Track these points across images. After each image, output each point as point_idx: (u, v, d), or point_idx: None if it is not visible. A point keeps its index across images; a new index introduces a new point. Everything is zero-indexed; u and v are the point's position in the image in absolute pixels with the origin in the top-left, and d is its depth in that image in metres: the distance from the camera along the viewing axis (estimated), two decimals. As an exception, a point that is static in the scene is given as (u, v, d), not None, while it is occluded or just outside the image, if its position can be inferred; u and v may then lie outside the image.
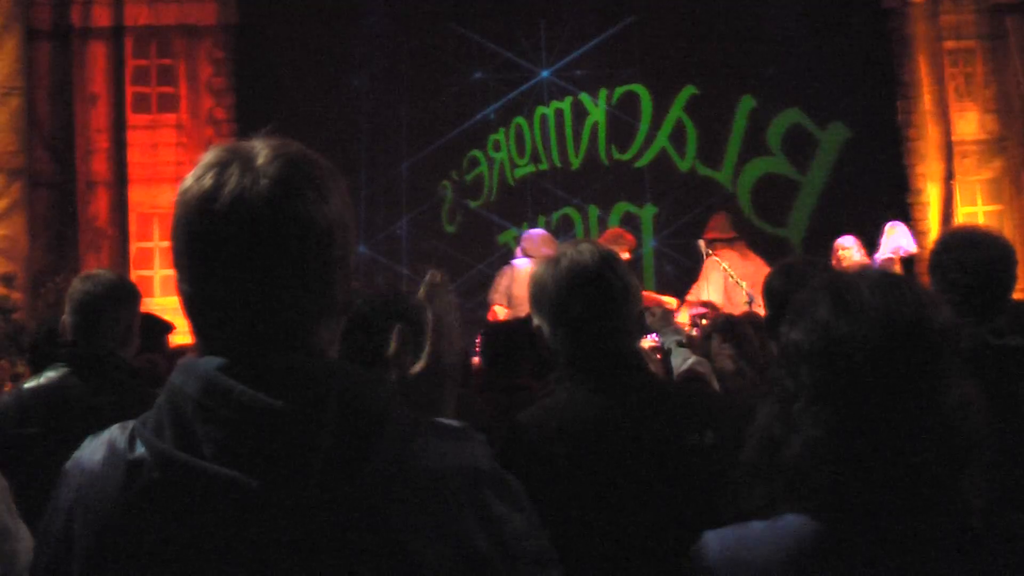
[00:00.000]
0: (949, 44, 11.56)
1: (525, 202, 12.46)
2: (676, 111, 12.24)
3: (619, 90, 12.31)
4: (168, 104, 10.95)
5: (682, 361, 4.97)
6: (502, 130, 12.47)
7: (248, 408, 1.52)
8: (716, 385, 4.89)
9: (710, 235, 10.16)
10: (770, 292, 3.61)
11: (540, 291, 2.96)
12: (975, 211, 11.32)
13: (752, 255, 10.12)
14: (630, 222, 12.10)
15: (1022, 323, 4.20)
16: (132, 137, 10.79)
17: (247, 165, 1.61)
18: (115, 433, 1.64)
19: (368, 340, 2.58)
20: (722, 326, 5.43)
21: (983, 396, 1.89)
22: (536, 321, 3.00)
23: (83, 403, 3.90)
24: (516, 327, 5.28)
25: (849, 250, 9.69)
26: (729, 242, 10.07)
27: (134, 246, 10.70)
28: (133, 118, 10.85)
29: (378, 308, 2.66)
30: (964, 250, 3.81)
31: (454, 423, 1.73)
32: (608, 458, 2.77)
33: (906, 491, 1.83)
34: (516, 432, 2.87)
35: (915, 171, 11.57)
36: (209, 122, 10.92)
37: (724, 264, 9.59)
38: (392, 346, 2.59)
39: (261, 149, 1.64)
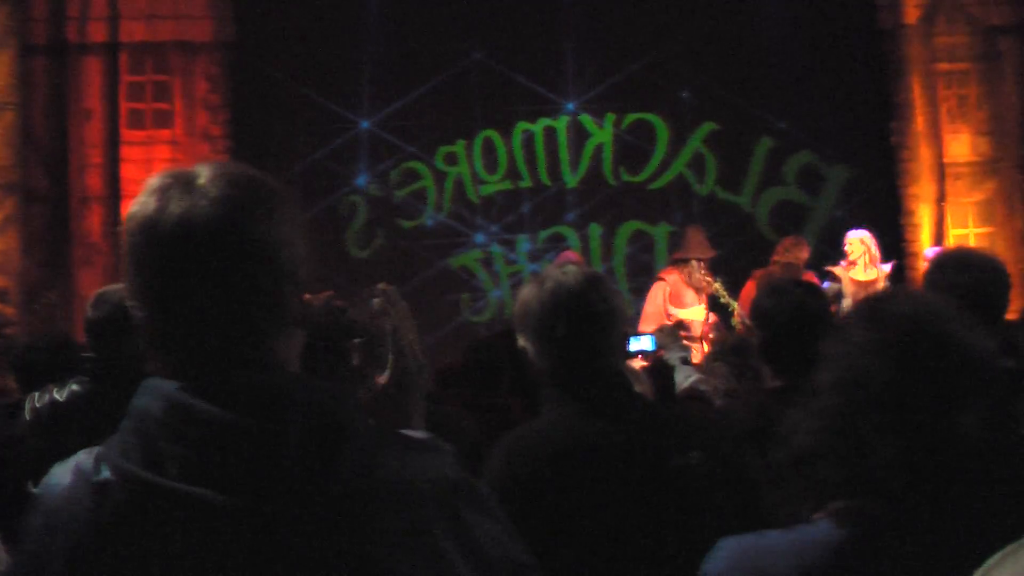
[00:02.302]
0: (943, 66, 11.57)
1: (495, 220, 12.22)
2: (695, 142, 12.14)
3: (630, 116, 12.17)
4: (163, 120, 10.94)
5: (684, 378, 4.99)
6: (460, 142, 12.21)
7: (211, 425, 1.54)
8: (718, 402, 4.88)
9: (691, 254, 10.08)
10: (761, 313, 3.62)
11: (525, 312, 2.98)
12: (966, 233, 11.32)
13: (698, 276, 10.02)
14: (641, 240, 12.05)
15: (1015, 345, 4.21)
16: (126, 153, 10.77)
17: (188, 187, 1.64)
18: (82, 457, 1.65)
19: (329, 355, 2.59)
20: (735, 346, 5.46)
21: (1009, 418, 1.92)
22: (521, 342, 3.01)
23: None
24: (498, 344, 5.27)
25: (855, 244, 9.69)
26: (691, 262, 9.99)
27: (127, 262, 10.64)
28: (128, 134, 10.83)
29: (337, 322, 2.68)
30: (958, 271, 3.82)
31: (420, 435, 1.75)
32: (593, 480, 2.78)
33: (914, 502, 1.85)
34: (503, 454, 2.88)
35: (907, 192, 11.57)
36: (204, 138, 10.91)
37: (716, 285, 9.58)
38: (354, 360, 2.60)
39: (203, 171, 1.67)
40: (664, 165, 12.18)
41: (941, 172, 11.50)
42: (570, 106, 12.20)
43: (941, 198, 11.47)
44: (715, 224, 11.41)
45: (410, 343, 2.66)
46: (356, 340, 2.63)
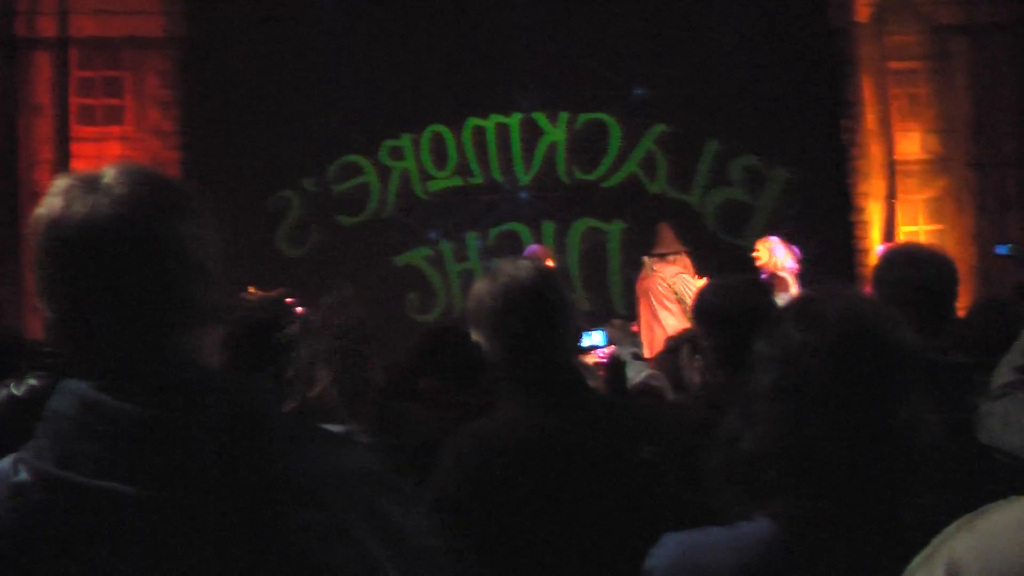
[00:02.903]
0: (894, 64, 11.68)
1: (445, 217, 12.08)
2: (647, 143, 12.15)
3: (583, 116, 12.17)
4: (114, 116, 10.88)
5: (636, 373, 5.00)
6: (406, 136, 12.10)
7: (122, 421, 1.55)
8: (671, 397, 4.90)
9: (659, 249, 10.12)
10: (707, 310, 3.62)
11: (478, 307, 2.98)
12: (917, 230, 11.42)
13: (691, 268, 10.04)
14: (595, 237, 12.04)
15: (964, 341, 4.25)
16: (77, 149, 10.70)
17: (92, 187, 1.65)
18: (3, 462, 1.64)
19: (262, 350, 2.59)
20: (692, 339, 5.46)
21: (936, 414, 1.95)
22: (474, 336, 3.02)
23: None
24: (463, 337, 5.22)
25: (761, 250, 9.76)
26: (668, 256, 10.02)
27: (78, 258, 10.56)
28: (78, 130, 10.77)
29: (264, 321, 2.67)
30: (907, 268, 3.84)
31: (338, 428, 1.78)
32: (547, 473, 2.79)
33: (854, 499, 1.87)
34: (457, 449, 2.88)
35: (858, 190, 11.66)
36: (156, 134, 10.86)
37: (669, 280, 9.61)
38: (291, 371, 2.60)
39: (108, 172, 1.68)
40: (617, 164, 12.19)
41: (892, 170, 11.60)
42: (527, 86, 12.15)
43: (891, 196, 11.56)
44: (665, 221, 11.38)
45: (356, 345, 2.66)
46: (291, 337, 2.62)
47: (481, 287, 2.99)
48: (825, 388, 1.92)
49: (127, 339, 1.63)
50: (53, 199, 1.65)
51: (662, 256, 9.99)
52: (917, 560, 0.99)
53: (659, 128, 12.11)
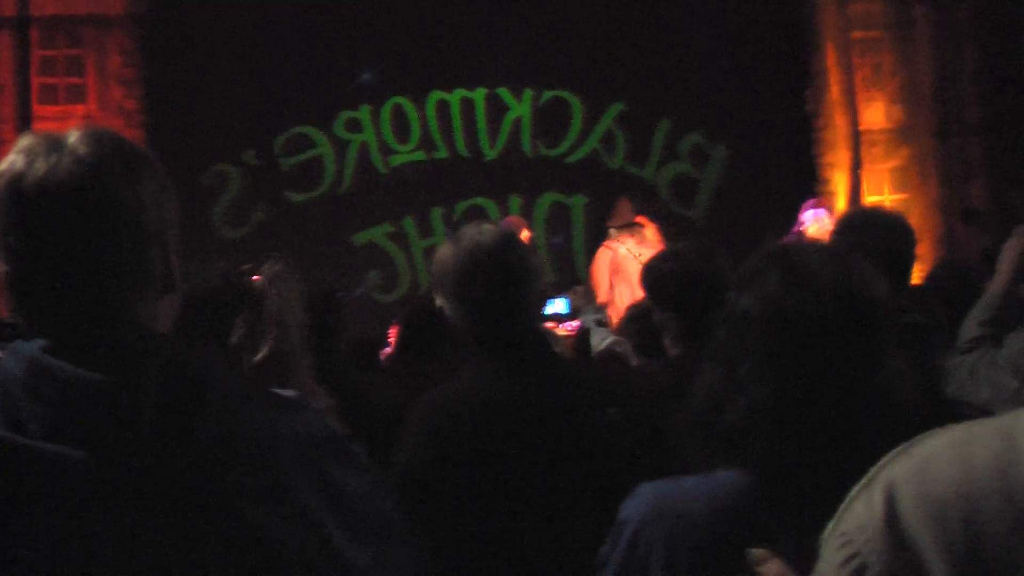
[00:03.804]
0: (857, 34, 11.71)
1: (408, 192, 11.86)
2: (607, 120, 12.22)
3: (548, 93, 12.19)
4: (76, 95, 10.79)
5: (600, 340, 5.02)
6: (366, 107, 11.89)
7: (69, 384, 1.56)
8: (634, 363, 4.92)
9: (617, 221, 10.17)
10: (660, 278, 3.59)
11: (442, 272, 2.99)
12: (882, 199, 11.45)
13: (649, 240, 10.09)
14: (559, 211, 12.07)
15: (921, 302, 4.28)
16: (39, 128, 10.57)
17: (55, 147, 1.65)
18: None
19: (211, 320, 2.60)
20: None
21: (911, 374, 1.97)
22: (438, 301, 3.03)
23: None
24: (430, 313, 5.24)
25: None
26: (631, 227, 10.07)
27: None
28: (40, 109, 10.66)
29: (219, 289, 2.68)
30: (864, 231, 3.86)
31: (287, 392, 1.78)
32: (512, 436, 2.80)
33: (840, 454, 1.89)
34: (421, 414, 2.89)
35: (823, 160, 11.70)
36: (119, 113, 10.76)
37: (634, 251, 9.63)
38: (235, 337, 2.61)
39: (72, 133, 1.68)
40: (579, 140, 12.25)
41: (856, 139, 11.64)
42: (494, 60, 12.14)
43: (857, 165, 11.61)
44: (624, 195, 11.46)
45: (295, 317, 2.68)
46: (240, 315, 2.64)
47: (445, 252, 3.00)
48: (820, 353, 1.93)
49: (78, 302, 1.64)
50: (15, 156, 1.65)
51: (620, 228, 10.04)
52: (856, 488, 1.01)
53: (617, 106, 12.18)
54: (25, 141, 1.68)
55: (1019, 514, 0.89)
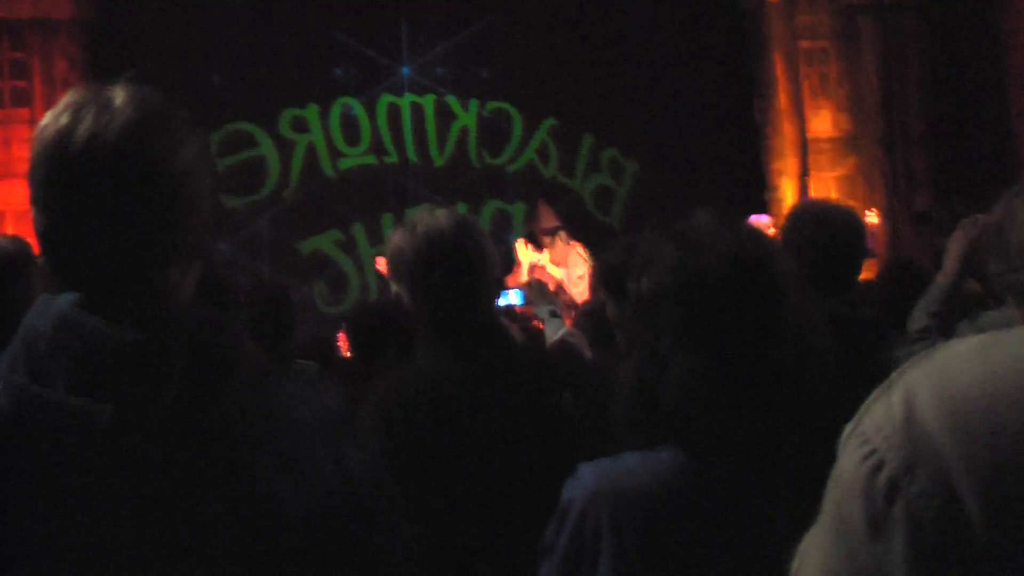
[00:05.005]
0: (804, 44, 11.83)
1: (358, 198, 11.72)
2: (542, 133, 12.56)
3: (491, 104, 12.40)
4: (21, 99, 10.69)
5: (554, 331, 5.03)
6: (313, 106, 11.70)
7: (100, 341, 1.55)
8: (588, 355, 4.93)
9: (543, 225, 10.31)
10: (608, 269, 3.60)
11: (398, 258, 2.98)
12: (829, 206, 11.53)
13: (560, 250, 10.24)
14: (502, 218, 12.20)
15: (871, 298, 4.31)
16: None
17: (104, 106, 1.64)
18: None
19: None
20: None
21: (821, 315, 1.99)
22: (395, 288, 3.02)
23: None
24: (384, 313, 5.24)
25: None
26: (553, 232, 10.21)
27: (-14, 244, 10.37)
28: (-16, 112, 10.59)
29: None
30: (816, 227, 3.89)
31: (307, 366, 1.78)
32: (468, 421, 2.80)
33: (768, 416, 1.90)
34: (377, 400, 2.88)
35: (771, 168, 11.80)
36: (65, 118, 10.63)
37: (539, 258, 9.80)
38: None
39: (119, 93, 1.67)
40: (519, 151, 12.49)
41: (804, 147, 11.74)
42: (405, 70, 12.18)
43: (804, 173, 11.72)
44: (557, 203, 11.88)
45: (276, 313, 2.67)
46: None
47: (400, 237, 2.99)
48: (732, 315, 1.94)
49: (113, 263, 1.63)
50: (62, 112, 1.64)
51: (545, 232, 10.21)
52: (876, 392, 1.01)
53: (549, 122, 12.55)
54: (71, 98, 1.67)
55: None
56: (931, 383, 0.97)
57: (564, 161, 12.65)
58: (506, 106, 12.44)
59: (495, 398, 2.82)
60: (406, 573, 1.80)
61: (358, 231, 11.83)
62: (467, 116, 12.39)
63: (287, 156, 11.71)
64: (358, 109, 12.00)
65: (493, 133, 12.43)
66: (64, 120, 1.63)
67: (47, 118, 1.66)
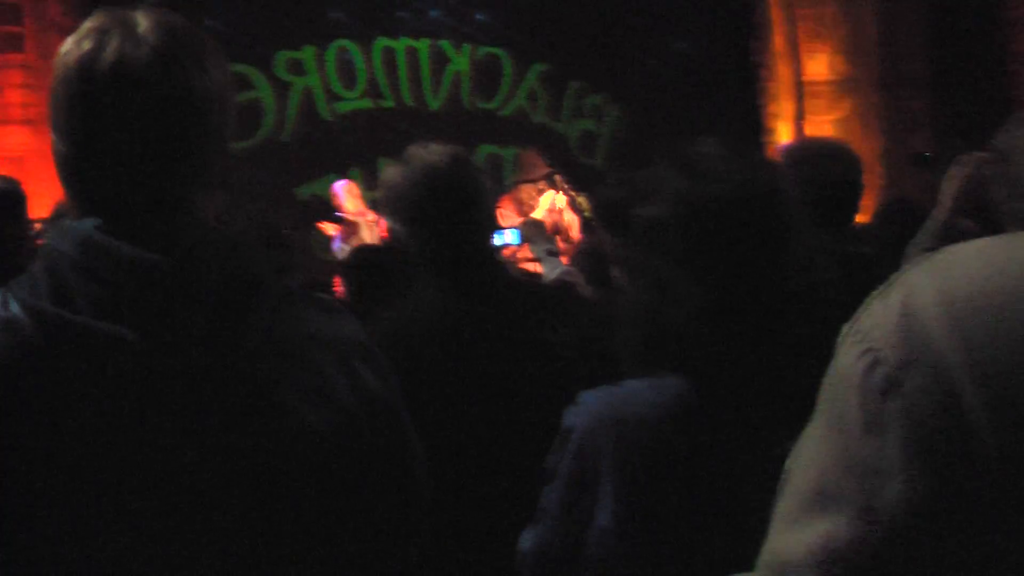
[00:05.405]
0: (801, -15, 11.75)
1: (355, 142, 11.57)
2: (531, 79, 12.50)
3: (482, 49, 12.32)
4: (13, 44, 10.57)
5: (551, 269, 5.03)
6: (309, 48, 11.54)
7: (128, 264, 1.55)
8: (586, 293, 4.92)
9: (533, 175, 10.22)
10: (607, 204, 3.60)
11: (394, 194, 2.97)
12: (826, 150, 11.49)
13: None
14: (494, 162, 12.07)
15: (871, 235, 4.31)
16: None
17: (129, 32, 1.64)
18: None
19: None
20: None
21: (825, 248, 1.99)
22: (390, 224, 3.01)
23: None
24: (381, 256, 5.23)
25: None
26: (548, 178, 10.13)
27: (-19, 190, 10.33)
28: (-24, 57, 10.51)
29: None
30: (818, 164, 3.88)
31: (327, 297, 1.82)
32: (467, 355, 2.80)
33: (772, 345, 1.91)
34: (376, 332, 2.88)
35: (767, 111, 11.76)
36: (58, 62, 10.56)
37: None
38: None
39: (143, 18, 1.67)
40: (509, 96, 12.47)
41: (800, 91, 11.68)
42: (434, 12, 12.20)
43: (800, 116, 11.65)
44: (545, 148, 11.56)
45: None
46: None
47: (395, 173, 2.98)
48: (742, 244, 1.94)
49: (138, 189, 1.64)
50: (84, 38, 1.65)
51: (536, 179, 10.13)
52: (874, 293, 1.01)
53: (538, 67, 12.48)
54: (93, 22, 1.67)
55: None
56: (931, 283, 0.97)
57: (551, 106, 12.62)
58: (497, 51, 12.40)
59: (494, 332, 2.83)
60: (424, 489, 1.86)
61: (355, 176, 11.62)
62: (460, 60, 12.32)
63: (283, 99, 11.58)
64: (355, 52, 11.89)
65: (485, 77, 12.40)
66: (87, 45, 1.63)
67: (68, 44, 1.66)
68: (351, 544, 1.73)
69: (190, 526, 1.55)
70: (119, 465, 1.53)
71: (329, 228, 9.40)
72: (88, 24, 1.67)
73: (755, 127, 11.71)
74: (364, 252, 5.29)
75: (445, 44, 12.23)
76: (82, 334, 1.52)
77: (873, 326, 0.99)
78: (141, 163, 1.63)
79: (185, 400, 1.55)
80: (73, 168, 1.66)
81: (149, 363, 1.53)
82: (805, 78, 11.65)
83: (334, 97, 11.81)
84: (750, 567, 1.09)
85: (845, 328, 1.03)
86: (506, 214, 9.34)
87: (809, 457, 1.02)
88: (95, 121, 1.62)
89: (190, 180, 1.67)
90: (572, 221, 9.36)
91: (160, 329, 1.54)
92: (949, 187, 3.57)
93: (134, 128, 1.62)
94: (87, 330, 1.52)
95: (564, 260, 5.45)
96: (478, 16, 12.33)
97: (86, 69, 1.62)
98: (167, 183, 1.65)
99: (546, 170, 10.20)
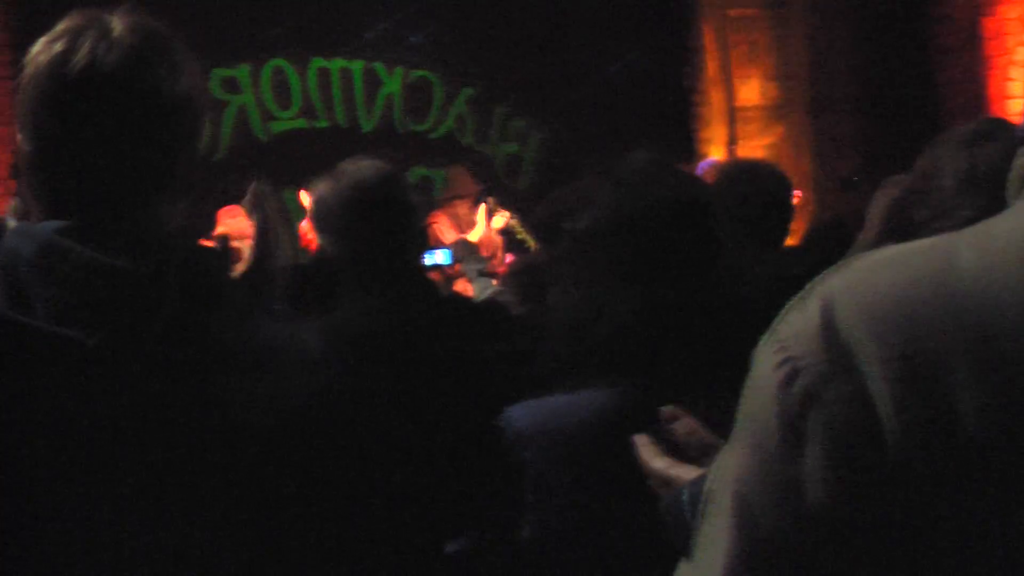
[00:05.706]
0: (734, 12, 11.84)
1: (290, 162, 10.88)
2: (460, 102, 12.56)
3: (415, 73, 12.36)
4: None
5: (482, 290, 5.02)
6: (244, 67, 11.54)
7: (87, 268, 1.52)
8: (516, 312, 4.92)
9: (464, 191, 10.22)
10: (544, 218, 3.63)
11: (323, 209, 2.95)
12: (757, 175, 11.58)
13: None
14: (426, 183, 12.08)
15: (798, 258, 4.34)
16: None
17: (103, 34, 1.63)
18: None
19: None
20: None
21: (752, 264, 2.01)
22: (320, 241, 2.99)
23: None
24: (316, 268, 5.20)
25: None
26: (480, 197, 10.11)
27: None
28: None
29: None
30: (750, 183, 3.91)
31: (281, 307, 1.82)
32: (393, 368, 2.78)
33: (699, 358, 1.91)
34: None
35: (699, 136, 11.85)
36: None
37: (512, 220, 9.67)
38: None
39: (118, 21, 1.66)
40: (440, 118, 12.53)
41: (732, 116, 11.77)
42: (368, 35, 12.16)
43: (732, 141, 11.74)
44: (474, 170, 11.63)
45: (275, 239, 2.65)
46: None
47: (325, 188, 2.97)
48: (670, 257, 1.95)
49: (104, 192, 1.62)
50: (57, 38, 1.63)
51: (461, 197, 10.15)
52: (792, 301, 1.00)
53: (467, 91, 12.53)
54: (67, 23, 1.65)
55: (954, 320, 0.89)
56: (851, 292, 0.95)
57: (479, 129, 12.68)
58: (428, 75, 12.45)
59: (421, 345, 2.82)
60: (376, 495, 1.89)
61: (289, 197, 11.61)
62: (392, 83, 12.36)
63: (217, 117, 11.48)
64: (289, 72, 11.86)
65: (417, 100, 12.45)
66: (59, 47, 1.62)
67: (38, 45, 1.65)
68: (309, 547, 1.72)
69: (145, 530, 1.53)
70: (73, 470, 1.50)
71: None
72: (62, 25, 1.66)
73: (687, 152, 11.77)
74: (291, 266, 5.25)
75: (378, 66, 12.24)
76: (36, 337, 1.50)
77: (791, 335, 0.97)
78: (107, 166, 1.62)
79: (140, 406, 1.53)
80: (36, 168, 1.65)
81: (106, 368, 1.51)
82: (737, 104, 11.75)
83: (268, 116, 11.78)
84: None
85: (763, 338, 1.01)
86: (443, 230, 9.33)
87: (729, 474, 1.00)
88: (63, 122, 1.61)
89: (155, 188, 1.67)
90: (501, 241, 9.37)
91: (118, 335, 1.52)
92: (875, 210, 3.61)
93: (102, 131, 1.61)
94: (42, 333, 1.49)
95: (495, 283, 5.45)
96: (412, 38, 12.32)
97: (57, 70, 1.61)
98: (132, 187, 1.64)
99: (476, 188, 10.21)
